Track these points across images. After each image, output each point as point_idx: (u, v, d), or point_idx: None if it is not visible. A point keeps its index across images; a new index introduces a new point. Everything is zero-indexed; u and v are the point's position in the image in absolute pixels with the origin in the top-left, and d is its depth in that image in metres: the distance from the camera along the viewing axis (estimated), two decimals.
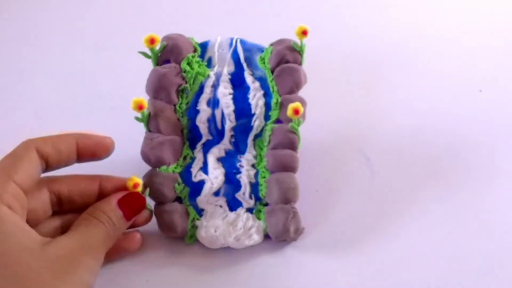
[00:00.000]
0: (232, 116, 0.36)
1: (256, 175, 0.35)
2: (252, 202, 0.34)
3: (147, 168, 0.34)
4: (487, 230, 0.33)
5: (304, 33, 0.34)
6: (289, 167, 0.33)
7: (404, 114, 0.42)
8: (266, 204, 0.34)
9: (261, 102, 0.36)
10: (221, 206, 0.34)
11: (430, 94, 0.43)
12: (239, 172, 0.35)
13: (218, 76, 0.37)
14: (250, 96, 0.36)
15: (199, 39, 0.38)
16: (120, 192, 0.30)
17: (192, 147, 0.36)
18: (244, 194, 0.34)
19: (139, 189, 0.31)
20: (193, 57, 0.36)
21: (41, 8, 0.53)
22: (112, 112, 0.42)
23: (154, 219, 0.33)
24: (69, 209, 0.31)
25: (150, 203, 0.33)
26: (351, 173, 0.37)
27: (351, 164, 0.38)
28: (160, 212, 0.32)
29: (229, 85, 0.36)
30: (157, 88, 0.34)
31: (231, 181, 0.35)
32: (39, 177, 0.29)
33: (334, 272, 0.32)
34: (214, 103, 0.36)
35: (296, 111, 0.32)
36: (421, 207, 0.35)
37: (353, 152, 0.39)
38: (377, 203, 0.35)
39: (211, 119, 0.36)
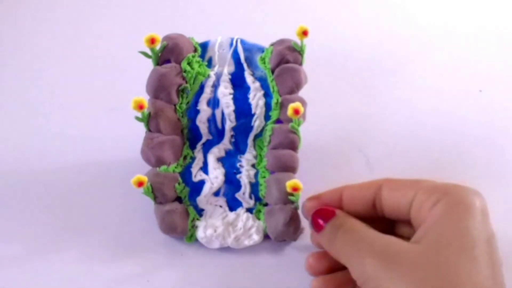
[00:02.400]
0: (232, 116, 0.36)
1: (256, 175, 0.35)
2: (252, 202, 0.34)
3: (147, 167, 0.34)
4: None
5: (304, 33, 0.34)
6: (289, 167, 0.33)
7: (404, 114, 0.42)
8: (266, 204, 0.34)
9: (261, 102, 0.36)
10: (221, 206, 0.34)
11: (430, 94, 0.43)
12: (239, 172, 0.35)
13: (218, 76, 0.37)
14: (251, 96, 0.36)
15: (200, 39, 0.38)
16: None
17: (192, 147, 0.36)
18: (244, 194, 0.34)
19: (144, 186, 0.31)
20: (193, 57, 0.36)
21: (41, 8, 0.53)
22: (112, 112, 0.42)
23: (154, 219, 0.33)
24: None
25: (150, 203, 0.33)
26: (351, 173, 0.37)
27: (351, 164, 0.38)
28: (160, 212, 0.32)
29: (229, 85, 0.36)
30: (157, 88, 0.34)
31: (231, 181, 0.35)
32: None
33: None
34: (214, 103, 0.36)
35: (296, 111, 0.32)
36: None
37: (353, 152, 0.39)
38: None
39: (211, 119, 0.36)
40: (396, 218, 0.28)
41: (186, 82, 0.36)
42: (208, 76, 0.36)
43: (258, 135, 0.36)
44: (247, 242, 0.32)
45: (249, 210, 0.34)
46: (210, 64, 0.37)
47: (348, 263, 0.26)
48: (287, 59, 0.35)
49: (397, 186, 0.28)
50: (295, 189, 0.30)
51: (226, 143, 0.36)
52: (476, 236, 0.24)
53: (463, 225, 0.24)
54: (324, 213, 0.28)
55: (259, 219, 0.33)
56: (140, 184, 0.30)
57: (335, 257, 0.27)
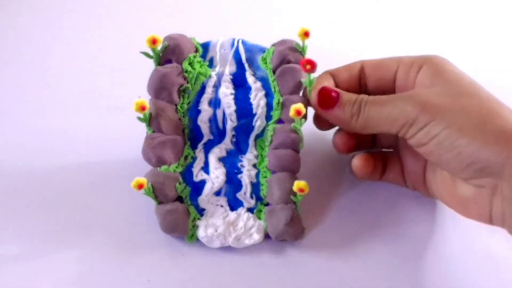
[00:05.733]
0: (234, 116, 0.36)
1: (257, 175, 0.35)
2: (253, 202, 0.34)
3: (148, 167, 0.34)
4: (490, 230, 0.33)
5: (306, 34, 0.34)
6: (290, 167, 0.33)
7: None
8: (267, 204, 0.34)
9: (263, 102, 0.36)
10: (222, 206, 0.34)
11: None
12: (240, 172, 0.35)
13: (219, 76, 0.37)
14: (252, 96, 0.36)
15: (201, 40, 0.38)
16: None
17: (193, 146, 0.36)
18: (245, 194, 0.34)
19: (145, 187, 0.31)
20: (194, 57, 0.36)
21: (42, 7, 0.53)
22: (114, 112, 0.42)
23: (155, 218, 0.33)
24: None
25: (151, 202, 0.33)
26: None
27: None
28: (161, 211, 0.32)
29: (230, 85, 0.37)
30: (158, 88, 0.34)
31: (232, 180, 0.35)
32: None
33: (334, 272, 0.32)
34: (215, 103, 0.36)
35: (298, 112, 0.32)
36: (422, 206, 0.35)
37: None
38: (378, 202, 0.36)
39: (213, 119, 0.36)
40: (381, 92, 0.32)
41: (187, 82, 0.36)
42: (210, 76, 0.37)
43: (259, 135, 0.36)
44: (247, 242, 0.32)
45: (250, 209, 0.34)
46: (211, 64, 0.37)
47: (385, 124, 0.30)
48: (289, 60, 0.35)
49: (379, 63, 0.33)
50: (302, 190, 0.31)
51: (227, 143, 0.36)
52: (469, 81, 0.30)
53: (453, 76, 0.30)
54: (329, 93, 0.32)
55: (260, 218, 0.33)
56: (140, 186, 0.31)
57: (363, 129, 0.31)
